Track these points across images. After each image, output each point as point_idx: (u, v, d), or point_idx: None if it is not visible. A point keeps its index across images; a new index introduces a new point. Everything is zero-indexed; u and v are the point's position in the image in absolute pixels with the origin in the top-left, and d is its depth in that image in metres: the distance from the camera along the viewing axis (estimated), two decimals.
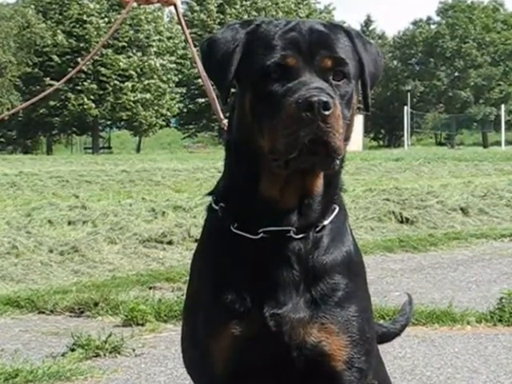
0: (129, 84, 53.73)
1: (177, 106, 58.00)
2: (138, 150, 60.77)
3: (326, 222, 2.00)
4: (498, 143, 55.54)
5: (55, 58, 52.66)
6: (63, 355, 4.39)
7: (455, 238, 9.05)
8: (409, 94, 61.80)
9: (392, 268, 7.49)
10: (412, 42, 70.24)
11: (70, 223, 9.28)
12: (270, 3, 60.35)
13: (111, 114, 54.68)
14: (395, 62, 69.64)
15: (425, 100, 68.99)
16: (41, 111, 51.99)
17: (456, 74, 68.79)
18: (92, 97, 52.89)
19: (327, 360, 1.96)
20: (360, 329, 1.99)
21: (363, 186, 13.93)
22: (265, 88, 1.89)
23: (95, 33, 52.23)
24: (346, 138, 1.91)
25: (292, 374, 1.97)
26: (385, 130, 72.02)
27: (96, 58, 46.30)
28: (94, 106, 52.97)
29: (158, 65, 54.74)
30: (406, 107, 56.83)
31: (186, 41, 2.93)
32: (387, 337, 2.68)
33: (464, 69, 67.35)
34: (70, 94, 52.24)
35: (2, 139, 59.50)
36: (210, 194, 2.11)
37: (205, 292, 2.01)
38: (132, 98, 53.96)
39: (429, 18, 72.94)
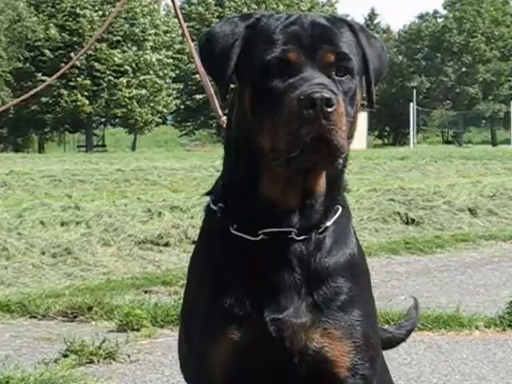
0: (124, 80, 53.55)
1: (174, 102, 57.92)
2: (134, 148, 60.71)
3: (328, 223, 1.97)
4: (508, 141, 55.16)
5: (47, 52, 52.42)
6: (56, 361, 4.35)
7: (463, 240, 9.00)
8: (415, 91, 61.56)
9: (397, 271, 7.45)
10: (418, 37, 69.35)
11: (62, 224, 9.21)
12: None
13: (105, 111, 54.51)
14: (400, 57, 68.71)
15: (431, 96, 68.42)
16: (32, 108, 51.72)
17: (464, 69, 67.81)
18: (85, 93, 52.68)
19: (330, 366, 1.93)
20: (364, 334, 1.97)
21: (367, 186, 13.85)
22: (265, 84, 1.88)
23: (89, 26, 51.95)
24: (350, 136, 1.90)
25: (293, 381, 1.95)
26: (390, 127, 71.61)
27: (90, 52, 46.33)
28: (87, 102, 52.79)
29: (154, 60, 54.58)
30: (411, 104, 56.71)
31: (183, 35, 2.90)
32: (392, 342, 2.68)
33: (472, 64, 66.49)
34: (62, 90, 52.04)
35: None
36: (208, 193, 2.11)
37: (203, 295, 1.98)
38: (127, 95, 53.79)
39: (435, 12, 72.48)
